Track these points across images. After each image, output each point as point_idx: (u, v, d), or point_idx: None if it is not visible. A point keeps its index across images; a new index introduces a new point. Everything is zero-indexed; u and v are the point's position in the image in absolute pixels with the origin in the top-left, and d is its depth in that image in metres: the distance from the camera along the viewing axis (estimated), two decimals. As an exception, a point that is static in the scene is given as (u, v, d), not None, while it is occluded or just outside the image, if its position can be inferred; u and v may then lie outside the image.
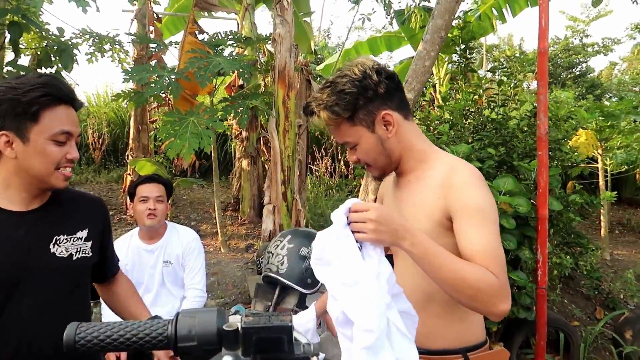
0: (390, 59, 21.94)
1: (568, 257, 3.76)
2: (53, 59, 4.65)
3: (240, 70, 3.90)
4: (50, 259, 1.32)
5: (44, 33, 4.65)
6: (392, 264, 1.52)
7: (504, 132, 4.03)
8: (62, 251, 1.35)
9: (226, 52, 4.34)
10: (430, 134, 4.02)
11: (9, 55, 4.53)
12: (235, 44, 4.61)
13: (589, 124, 5.24)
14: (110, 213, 6.03)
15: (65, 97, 1.29)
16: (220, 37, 4.33)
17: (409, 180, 1.34)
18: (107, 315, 2.42)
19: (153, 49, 5.34)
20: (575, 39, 18.04)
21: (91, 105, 8.86)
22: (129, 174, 5.87)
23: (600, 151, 5.50)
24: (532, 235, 3.32)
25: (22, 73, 2.75)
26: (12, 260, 1.28)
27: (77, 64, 4.75)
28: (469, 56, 4.95)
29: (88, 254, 1.41)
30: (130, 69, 4.07)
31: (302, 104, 4.97)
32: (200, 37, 4.52)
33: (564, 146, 4.14)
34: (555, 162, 3.89)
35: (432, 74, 6.69)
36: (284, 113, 4.26)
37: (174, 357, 1.65)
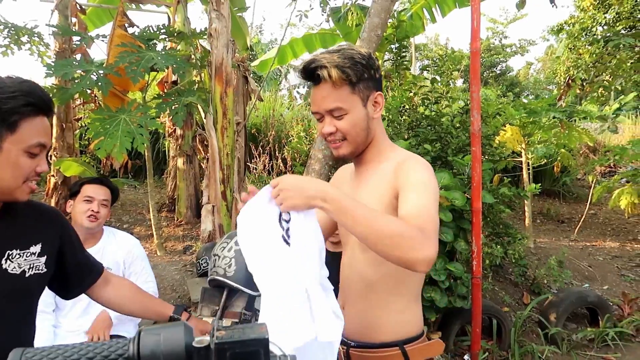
0: (323, 56, 22.10)
1: (499, 247, 3.98)
2: (-38, 51, 4.26)
3: (175, 66, 3.74)
4: (2, 275, 1.22)
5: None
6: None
7: (439, 128, 4.18)
8: (14, 267, 1.25)
9: (159, 47, 4.16)
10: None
11: None
12: (168, 39, 4.43)
13: (515, 120, 5.55)
14: (32, 218, 5.64)
15: (47, 107, 1.21)
16: (152, 31, 4.14)
17: (366, 169, 1.41)
18: (64, 325, 2.30)
19: (77, 42, 5.01)
20: (495, 39, 19.13)
21: (6, 101, 8.18)
22: (53, 175, 5.48)
23: (524, 146, 5.85)
24: (467, 227, 3.47)
25: None
26: None
27: (-9, 56, 4.38)
28: (402, 54, 5.09)
29: (42, 270, 1.31)
30: (52, 63, 3.79)
31: (237, 99, 4.88)
32: (130, 30, 4.30)
33: (493, 141, 4.36)
34: (486, 156, 4.09)
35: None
36: (221, 110, 4.16)
37: None
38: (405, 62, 5.34)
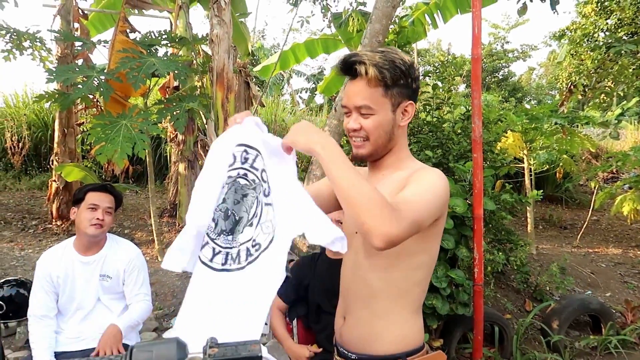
0: (325, 61, 22.16)
1: (500, 253, 3.96)
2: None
3: (176, 71, 3.74)
4: None
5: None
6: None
7: (440, 134, 4.17)
8: None
9: (160, 53, 4.16)
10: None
11: None
12: (169, 44, 4.43)
13: (516, 126, 5.54)
14: (34, 222, 5.63)
15: None
16: (153, 37, 4.14)
17: (382, 175, 1.39)
18: (34, 332, 2.26)
19: (79, 48, 5.02)
20: (497, 45, 19.14)
21: (9, 106, 8.20)
22: (55, 181, 5.49)
23: (525, 152, 5.83)
24: (469, 234, 3.45)
25: None
26: None
27: (-8, 62, 4.39)
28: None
29: None
30: (54, 69, 3.80)
31: (238, 105, 4.87)
32: (132, 36, 4.31)
33: (495, 148, 4.35)
34: (487, 163, 4.07)
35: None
36: (223, 116, 4.16)
37: None
38: (407, 68, 5.33)
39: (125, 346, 2.30)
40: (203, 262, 1.22)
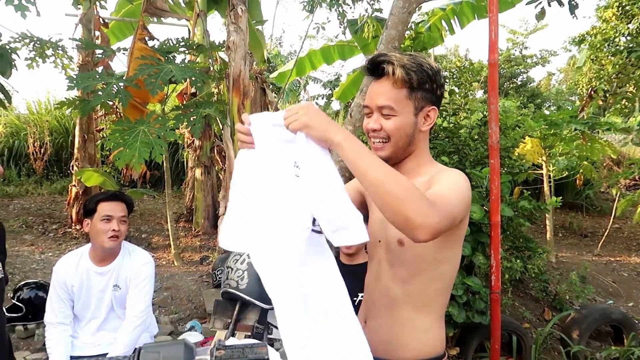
0: (342, 68, 22.19)
1: (518, 261, 3.89)
2: (-11, 64, 4.38)
3: (193, 78, 3.79)
4: None
5: (-22, 36, 4.38)
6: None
7: (456, 140, 4.13)
8: None
9: (178, 60, 4.22)
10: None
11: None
12: (187, 51, 4.49)
13: (535, 132, 5.46)
14: (54, 227, 5.74)
15: None
16: (171, 44, 4.20)
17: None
18: (51, 338, 2.29)
19: (99, 55, 5.12)
20: (515, 50, 18.94)
21: (32, 113, 8.39)
22: (74, 185, 5.59)
23: (544, 158, 5.75)
24: (486, 241, 3.40)
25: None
26: None
27: (16, 69, 4.50)
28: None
29: (2, 274, 1.37)
30: (75, 76, 3.88)
31: (254, 111, 4.91)
32: (150, 43, 4.38)
33: (512, 154, 4.29)
34: (505, 169, 4.02)
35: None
36: (239, 122, 4.19)
37: None
38: (423, 74, 5.31)
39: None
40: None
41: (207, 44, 4.71)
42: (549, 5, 4.58)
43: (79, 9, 5.61)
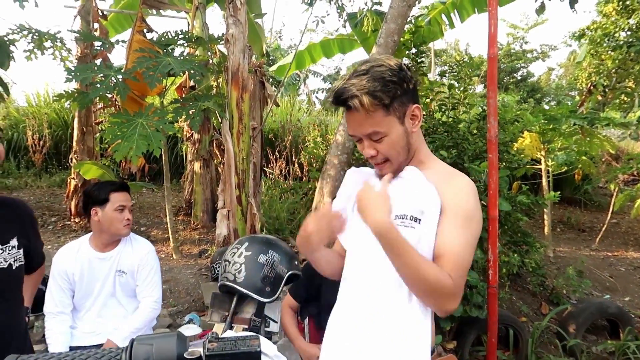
0: (342, 62, 22.13)
1: (516, 255, 3.91)
2: (-13, 56, 4.36)
3: (192, 71, 3.77)
4: None
5: (-24, 28, 4.36)
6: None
7: (455, 134, 4.13)
8: (1, 262, 1.34)
9: (177, 52, 4.20)
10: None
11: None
12: (186, 44, 4.47)
13: (534, 127, 5.46)
14: (53, 219, 5.73)
15: None
16: (170, 37, 4.18)
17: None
18: (50, 328, 2.31)
19: (98, 47, 5.10)
20: (515, 45, 18.89)
21: (30, 105, 8.37)
22: (73, 178, 5.59)
23: (543, 153, 5.75)
24: (483, 235, 3.41)
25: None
26: None
27: (14, 61, 4.48)
28: (419, 60, 5.04)
29: (22, 261, 1.43)
30: (73, 68, 3.86)
31: (253, 105, 4.90)
32: (149, 36, 4.36)
33: (511, 148, 4.29)
34: (503, 163, 4.02)
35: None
36: (237, 115, 4.18)
37: None
38: (423, 68, 5.30)
39: None
40: None
41: (206, 37, 4.70)
42: (549, -1, 4.56)
43: (78, 0, 5.58)
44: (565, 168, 6.48)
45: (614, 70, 6.98)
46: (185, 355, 0.58)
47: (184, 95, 5.12)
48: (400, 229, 1.20)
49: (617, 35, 7.51)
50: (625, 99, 7.36)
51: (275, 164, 7.15)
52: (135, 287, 2.46)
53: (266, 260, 1.88)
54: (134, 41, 4.22)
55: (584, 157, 6.43)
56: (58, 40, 4.99)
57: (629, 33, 7.47)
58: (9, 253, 1.36)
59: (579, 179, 7.49)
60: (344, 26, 6.25)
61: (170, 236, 4.80)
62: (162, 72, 3.57)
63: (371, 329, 1.28)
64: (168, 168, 4.57)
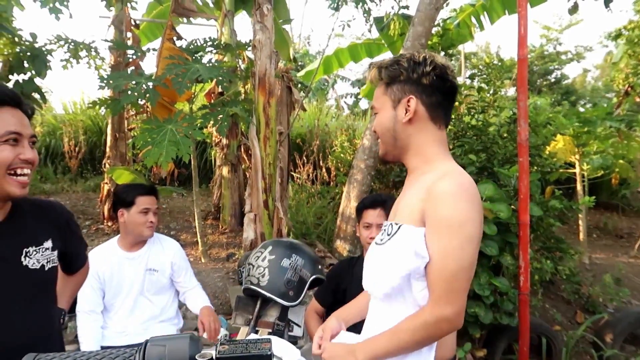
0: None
1: (548, 261, 3.79)
2: (26, 65, 4.54)
3: (219, 77, 3.83)
4: (24, 271, 1.33)
5: (16, 39, 4.54)
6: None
7: (485, 138, 4.06)
8: (34, 263, 1.35)
9: (205, 59, 4.27)
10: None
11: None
12: (214, 51, 4.55)
13: (567, 130, 5.31)
14: (87, 223, 5.90)
15: (8, 98, 1.26)
16: (198, 44, 4.26)
17: (412, 177, 1.35)
18: (82, 327, 2.37)
19: (130, 56, 5.24)
20: (549, 47, 18.45)
21: (67, 112, 8.66)
22: (106, 183, 5.74)
23: (577, 156, 5.58)
24: (514, 241, 3.33)
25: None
26: None
27: (51, 69, 4.65)
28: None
29: (56, 263, 1.44)
30: (106, 76, 3.98)
31: (280, 109, 4.94)
32: (178, 43, 4.45)
33: (543, 152, 4.18)
34: (535, 167, 3.92)
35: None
36: (264, 120, 4.21)
37: None
38: (452, 71, 5.23)
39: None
40: None
41: (234, 44, 4.76)
42: (583, -2, 4.44)
43: (112, 11, 5.75)
44: (602, 172, 6.26)
45: (652, 70, 6.73)
46: (197, 357, 0.58)
47: (212, 101, 5.20)
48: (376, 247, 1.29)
49: (655, 34, 7.25)
50: (665, 100, 7.08)
51: (302, 169, 7.17)
52: (166, 283, 2.54)
53: (290, 264, 1.88)
54: (163, 49, 4.31)
55: (621, 161, 6.21)
56: (92, 50, 5.16)
57: (668, 32, 7.19)
58: (42, 254, 1.38)
59: (616, 183, 7.23)
60: (370, 30, 6.23)
61: (199, 240, 4.87)
62: (190, 79, 3.64)
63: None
64: (197, 173, 4.64)
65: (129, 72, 4.48)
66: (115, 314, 2.47)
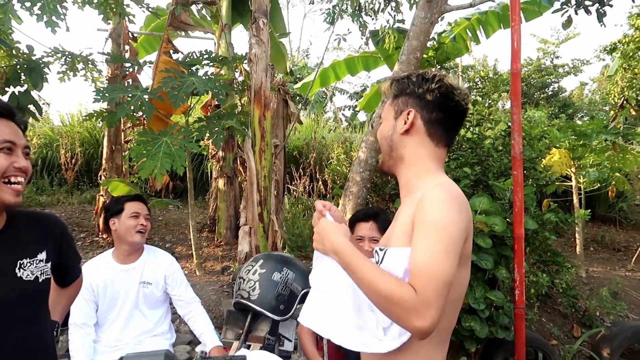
0: (368, 79, 22.20)
1: (544, 275, 3.77)
2: (23, 77, 4.55)
3: (215, 90, 3.84)
4: (19, 282, 1.33)
5: (13, 51, 4.55)
6: None
7: (480, 151, 4.07)
8: (28, 275, 1.36)
9: (202, 72, 4.28)
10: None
11: (-24, 74, 4.41)
12: (210, 64, 4.57)
13: (562, 143, 5.32)
14: (82, 235, 5.87)
15: (2, 110, 1.29)
16: (195, 57, 4.28)
17: (404, 196, 1.35)
18: (74, 341, 2.34)
19: (127, 68, 5.27)
20: (546, 60, 18.57)
21: (64, 124, 8.67)
22: (102, 195, 5.73)
23: (573, 169, 5.59)
24: (509, 254, 3.32)
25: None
26: None
27: (47, 82, 4.65)
28: (444, 76, 5.00)
29: (49, 275, 1.44)
30: (102, 88, 3.99)
31: (276, 122, 4.95)
32: (174, 56, 4.47)
33: (538, 165, 4.19)
34: (530, 180, 3.92)
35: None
36: (259, 133, 4.22)
37: None
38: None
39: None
40: None
41: (230, 57, 4.78)
42: (576, 13, 4.48)
43: (109, 24, 5.79)
44: (598, 185, 6.27)
45: (647, 84, 6.77)
46: (169, 375, 0.56)
47: (208, 114, 5.21)
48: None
49: (650, 48, 7.31)
50: (661, 113, 7.11)
51: (299, 181, 7.17)
52: (160, 296, 2.51)
53: (280, 278, 1.87)
54: (160, 62, 4.33)
55: (617, 174, 6.22)
56: (90, 62, 5.17)
57: (662, 46, 7.25)
58: (36, 266, 1.38)
59: (612, 197, 7.23)
60: (366, 44, 6.28)
61: (194, 253, 4.84)
62: (186, 92, 3.65)
63: None
64: (192, 185, 4.63)
65: (125, 84, 4.49)
66: (108, 328, 2.45)
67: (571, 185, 5.77)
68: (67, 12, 4.04)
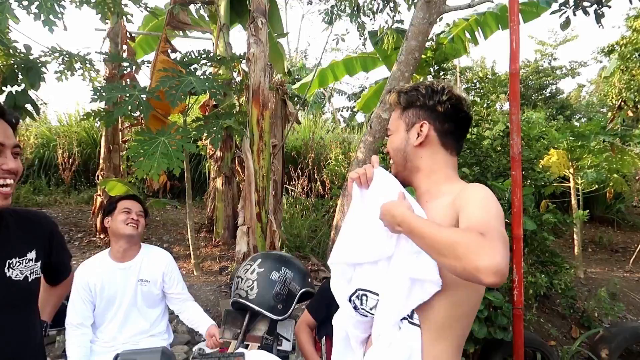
0: (367, 79, 22.22)
1: (543, 276, 3.77)
2: (20, 77, 4.53)
3: (213, 90, 3.83)
4: (7, 282, 1.32)
5: (11, 51, 4.54)
6: None
7: (478, 151, 4.06)
8: (17, 274, 1.34)
9: (200, 72, 4.27)
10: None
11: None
12: (209, 63, 4.55)
13: (560, 143, 5.32)
14: (79, 235, 5.85)
15: None
16: (193, 57, 4.27)
17: (426, 201, 1.34)
18: (70, 341, 2.33)
19: (125, 68, 5.25)
20: (544, 62, 18.60)
21: (61, 124, 8.64)
22: (99, 195, 5.70)
23: (571, 170, 5.59)
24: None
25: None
26: None
27: (45, 82, 4.64)
28: (442, 77, 5.01)
29: (39, 274, 1.43)
30: (100, 88, 3.98)
31: (274, 122, 4.94)
32: (172, 56, 4.46)
33: (537, 166, 4.18)
34: (529, 181, 3.92)
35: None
36: (258, 133, 4.21)
37: None
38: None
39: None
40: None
41: (229, 56, 4.77)
42: (574, 14, 4.49)
43: (107, 23, 5.77)
44: (596, 186, 6.27)
45: (645, 85, 6.78)
46: (166, 372, 0.55)
47: (207, 113, 5.20)
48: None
49: (647, 50, 7.33)
50: (658, 114, 7.13)
51: (297, 181, 7.16)
52: (158, 295, 2.51)
53: (279, 277, 1.86)
54: (157, 61, 4.32)
55: (615, 175, 6.22)
56: (87, 62, 5.16)
57: (660, 47, 7.27)
58: (25, 266, 1.37)
59: (610, 198, 7.24)
60: (364, 44, 6.27)
61: (192, 253, 4.82)
62: (183, 91, 3.64)
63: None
64: (190, 185, 4.61)
65: (122, 84, 4.48)
66: (105, 327, 2.44)
67: (569, 186, 5.78)
68: (64, 11, 4.03)
